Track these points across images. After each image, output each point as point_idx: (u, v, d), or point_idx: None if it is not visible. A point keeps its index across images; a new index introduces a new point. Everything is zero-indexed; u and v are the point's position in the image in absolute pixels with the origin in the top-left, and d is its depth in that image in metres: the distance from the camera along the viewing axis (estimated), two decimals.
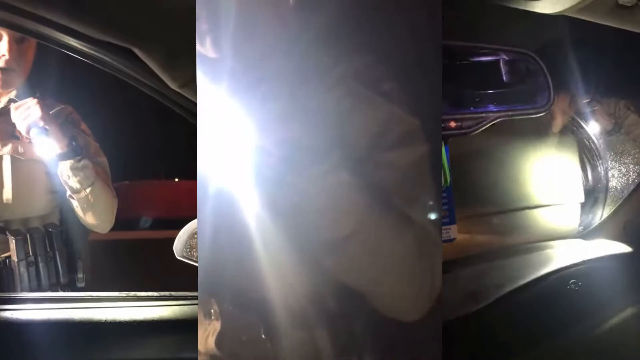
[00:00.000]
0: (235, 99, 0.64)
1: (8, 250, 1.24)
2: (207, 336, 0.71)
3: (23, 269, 1.22)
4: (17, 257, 1.21)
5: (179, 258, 0.85)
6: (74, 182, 1.31)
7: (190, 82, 0.78)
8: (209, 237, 0.67)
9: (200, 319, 0.71)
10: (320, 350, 0.68)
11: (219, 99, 0.65)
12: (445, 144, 0.87)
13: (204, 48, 0.65)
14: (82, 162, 1.31)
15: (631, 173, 1.39)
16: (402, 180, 0.64)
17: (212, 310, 0.72)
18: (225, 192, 0.66)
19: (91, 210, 1.35)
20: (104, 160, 1.42)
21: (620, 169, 1.40)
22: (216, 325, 0.71)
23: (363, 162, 0.63)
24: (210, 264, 0.68)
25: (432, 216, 0.66)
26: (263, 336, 0.69)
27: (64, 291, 1.28)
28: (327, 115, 0.63)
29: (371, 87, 0.63)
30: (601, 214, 1.37)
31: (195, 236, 0.84)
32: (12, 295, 1.13)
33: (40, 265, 1.24)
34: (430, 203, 0.66)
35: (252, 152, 0.65)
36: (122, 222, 1.49)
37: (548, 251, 1.17)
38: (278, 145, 0.64)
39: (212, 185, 0.66)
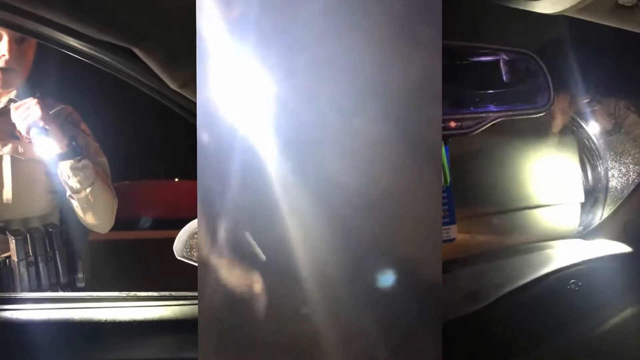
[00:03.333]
0: (261, 51, 0.61)
1: (8, 250, 1.24)
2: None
3: (23, 269, 1.22)
4: (17, 257, 1.21)
5: (179, 258, 0.85)
6: (74, 182, 1.31)
7: (190, 82, 0.78)
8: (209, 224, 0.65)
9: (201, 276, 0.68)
10: (336, 318, 0.65)
11: (246, 55, 0.61)
12: (445, 144, 0.87)
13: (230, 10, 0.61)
14: (82, 162, 1.31)
15: (631, 173, 1.39)
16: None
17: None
18: (250, 148, 0.63)
19: (91, 210, 1.35)
20: (104, 160, 1.42)
21: (620, 169, 1.40)
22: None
23: (401, 118, 0.60)
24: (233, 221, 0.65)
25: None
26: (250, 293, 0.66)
27: (64, 291, 1.28)
28: (361, 66, 0.60)
29: (408, 37, 0.60)
30: (601, 214, 1.37)
31: (195, 236, 0.84)
32: (12, 295, 1.13)
33: (40, 265, 1.24)
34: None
35: (276, 107, 0.61)
36: (122, 222, 1.50)
37: (548, 251, 1.17)
38: (305, 100, 0.61)
39: (238, 136, 0.63)
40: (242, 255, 0.66)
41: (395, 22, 0.61)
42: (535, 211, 1.33)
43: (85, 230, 1.41)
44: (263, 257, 0.65)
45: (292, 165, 0.62)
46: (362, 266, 0.64)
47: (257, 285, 0.65)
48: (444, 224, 0.92)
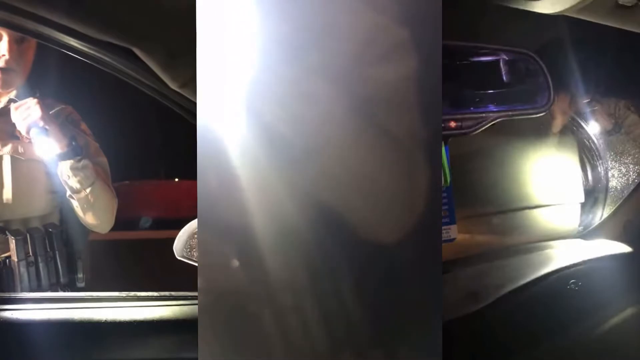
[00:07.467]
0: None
1: (8, 250, 1.24)
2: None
3: (23, 269, 1.22)
4: (17, 257, 1.21)
5: (179, 258, 0.85)
6: (74, 182, 1.31)
7: (190, 82, 0.78)
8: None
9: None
10: (294, 274, 0.65)
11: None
12: (445, 144, 0.87)
13: None
14: (82, 162, 1.31)
15: (631, 173, 1.39)
16: (388, 95, 0.62)
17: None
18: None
19: (91, 210, 1.35)
20: (104, 160, 1.42)
21: (620, 169, 1.40)
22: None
23: (345, 72, 0.61)
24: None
25: (419, 135, 0.63)
26: (237, 262, 0.67)
27: (64, 291, 1.28)
28: (305, 14, 0.60)
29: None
30: (601, 214, 1.37)
31: (195, 236, 0.84)
32: (12, 295, 1.13)
33: (40, 265, 1.24)
34: (417, 123, 0.63)
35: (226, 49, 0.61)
36: (122, 222, 1.50)
37: (548, 251, 1.16)
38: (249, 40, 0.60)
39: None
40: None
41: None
42: (535, 211, 1.33)
43: (85, 230, 1.41)
44: None
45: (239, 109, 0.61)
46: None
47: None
48: (444, 224, 0.92)
